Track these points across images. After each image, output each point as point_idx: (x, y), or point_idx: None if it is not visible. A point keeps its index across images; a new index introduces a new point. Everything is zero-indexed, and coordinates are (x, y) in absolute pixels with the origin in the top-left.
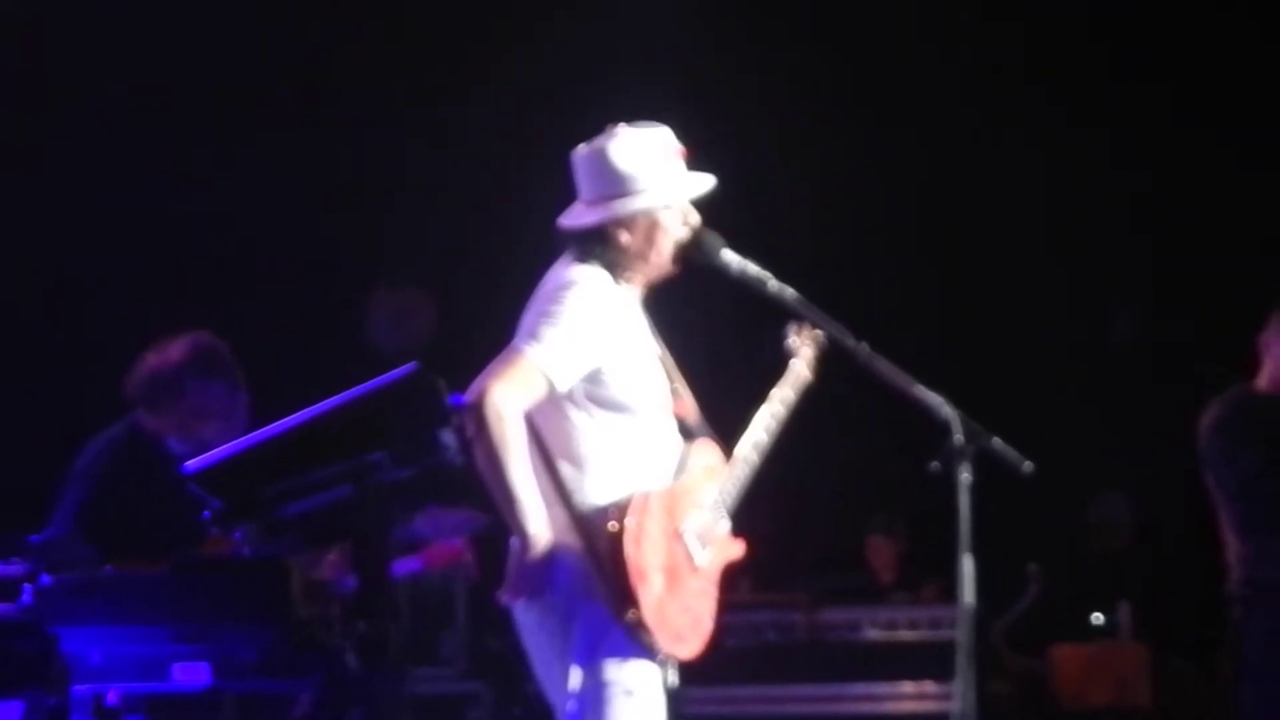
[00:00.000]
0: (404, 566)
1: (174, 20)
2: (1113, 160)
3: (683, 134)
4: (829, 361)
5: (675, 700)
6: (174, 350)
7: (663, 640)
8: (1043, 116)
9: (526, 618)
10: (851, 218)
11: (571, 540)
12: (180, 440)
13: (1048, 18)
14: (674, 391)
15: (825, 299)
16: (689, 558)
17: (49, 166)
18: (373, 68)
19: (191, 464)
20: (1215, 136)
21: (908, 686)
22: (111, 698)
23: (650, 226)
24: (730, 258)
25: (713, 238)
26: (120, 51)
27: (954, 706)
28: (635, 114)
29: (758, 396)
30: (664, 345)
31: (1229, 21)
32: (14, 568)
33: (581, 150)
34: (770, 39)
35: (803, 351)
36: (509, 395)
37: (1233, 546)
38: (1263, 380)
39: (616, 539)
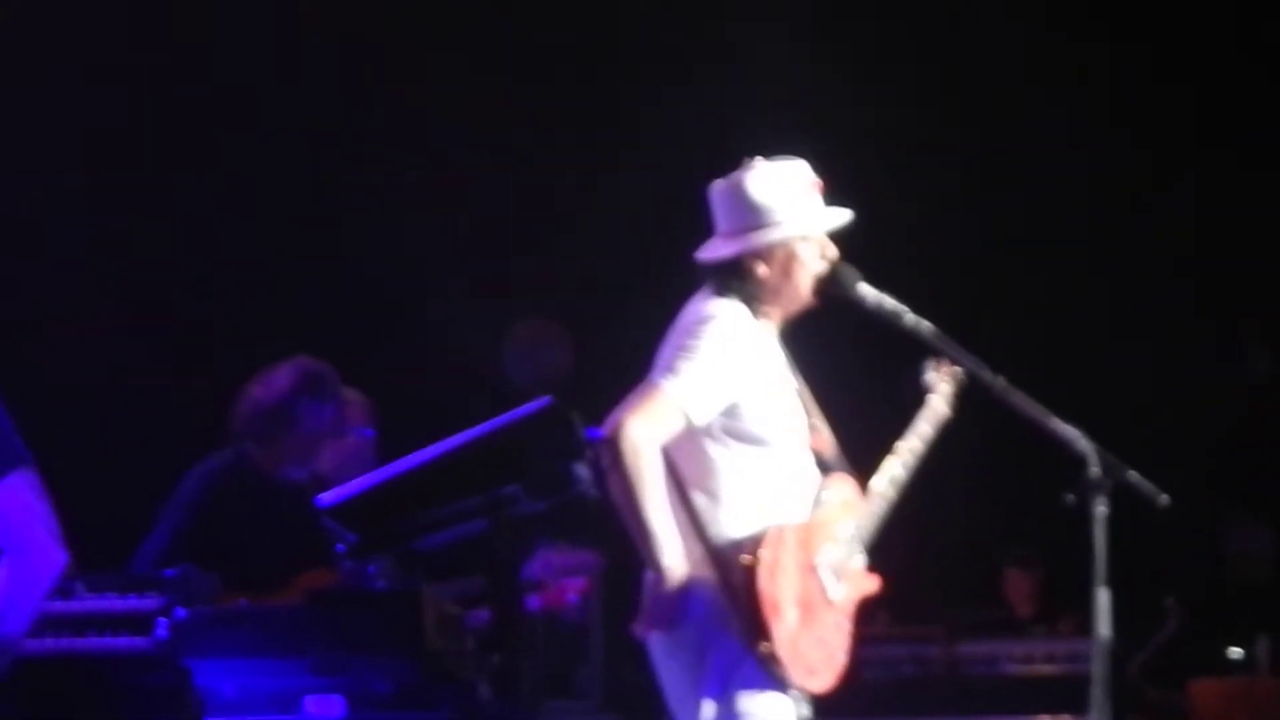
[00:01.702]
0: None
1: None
2: (1254, 193)
3: (817, 169)
4: (966, 395)
5: None
6: (280, 378)
7: (795, 673)
8: (1186, 145)
9: (661, 650)
10: (982, 253)
11: (706, 573)
12: (296, 468)
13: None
14: (811, 426)
15: (958, 333)
16: (823, 591)
17: (156, 186)
18: (518, 107)
19: (326, 497)
20: None
21: None
22: None
23: (787, 259)
24: (867, 291)
25: (849, 271)
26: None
27: None
28: (773, 149)
29: (895, 432)
30: (802, 379)
31: None
32: (149, 601)
33: (719, 184)
34: (896, 79)
35: (941, 387)
36: (646, 429)
37: None
38: None
39: (751, 572)
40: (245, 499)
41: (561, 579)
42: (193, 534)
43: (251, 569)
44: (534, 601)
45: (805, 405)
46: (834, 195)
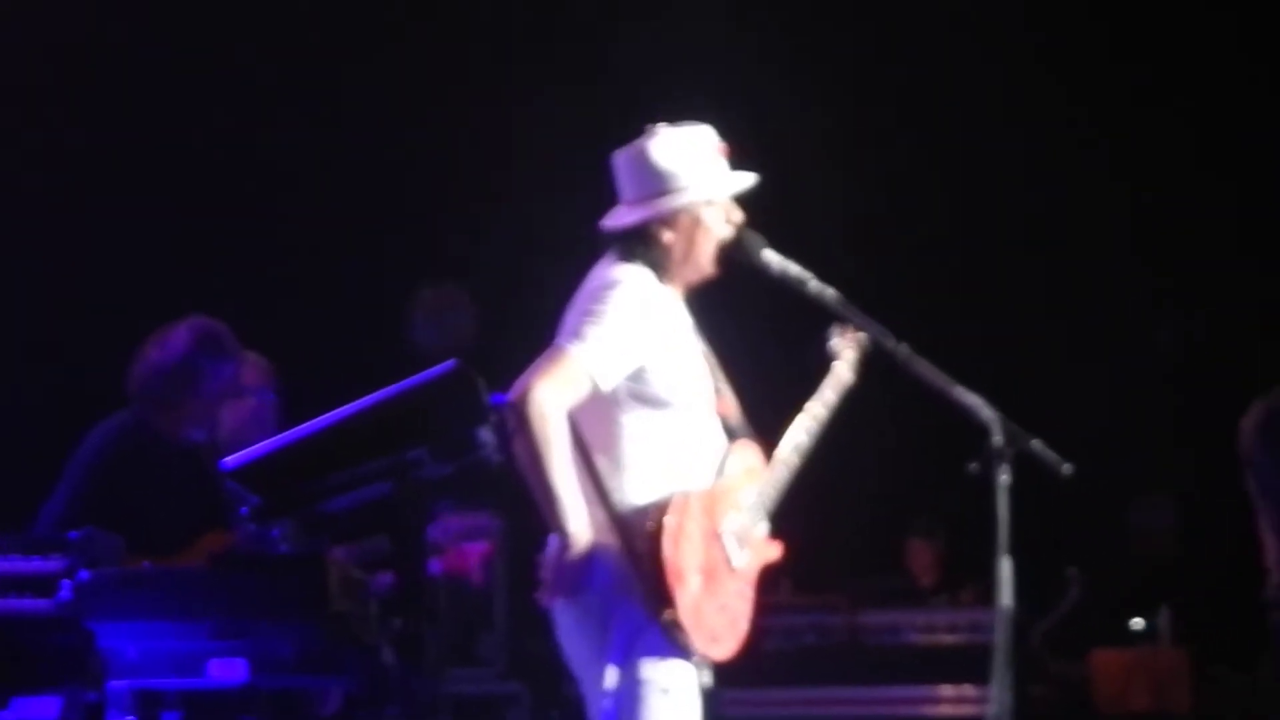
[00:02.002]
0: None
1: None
2: (1161, 170)
3: (722, 134)
4: (869, 363)
5: (711, 701)
6: (177, 339)
7: (698, 640)
8: (1090, 127)
9: (565, 617)
10: (890, 219)
11: (610, 539)
12: (198, 427)
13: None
14: (717, 391)
15: (863, 301)
16: (727, 559)
17: (61, 154)
18: (421, 69)
19: (230, 460)
20: (1269, 141)
21: (947, 690)
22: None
23: (692, 225)
24: (772, 258)
25: (754, 237)
26: (162, 37)
27: (992, 710)
28: (676, 116)
29: (799, 398)
30: (708, 345)
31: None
32: (52, 563)
33: (623, 151)
34: (810, 41)
35: (844, 354)
36: (552, 394)
37: (1271, 551)
38: None
39: (655, 538)
40: (145, 461)
41: (460, 543)
42: (93, 496)
43: (152, 531)
44: (436, 566)
45: (711, 371)
46: (744, 160)
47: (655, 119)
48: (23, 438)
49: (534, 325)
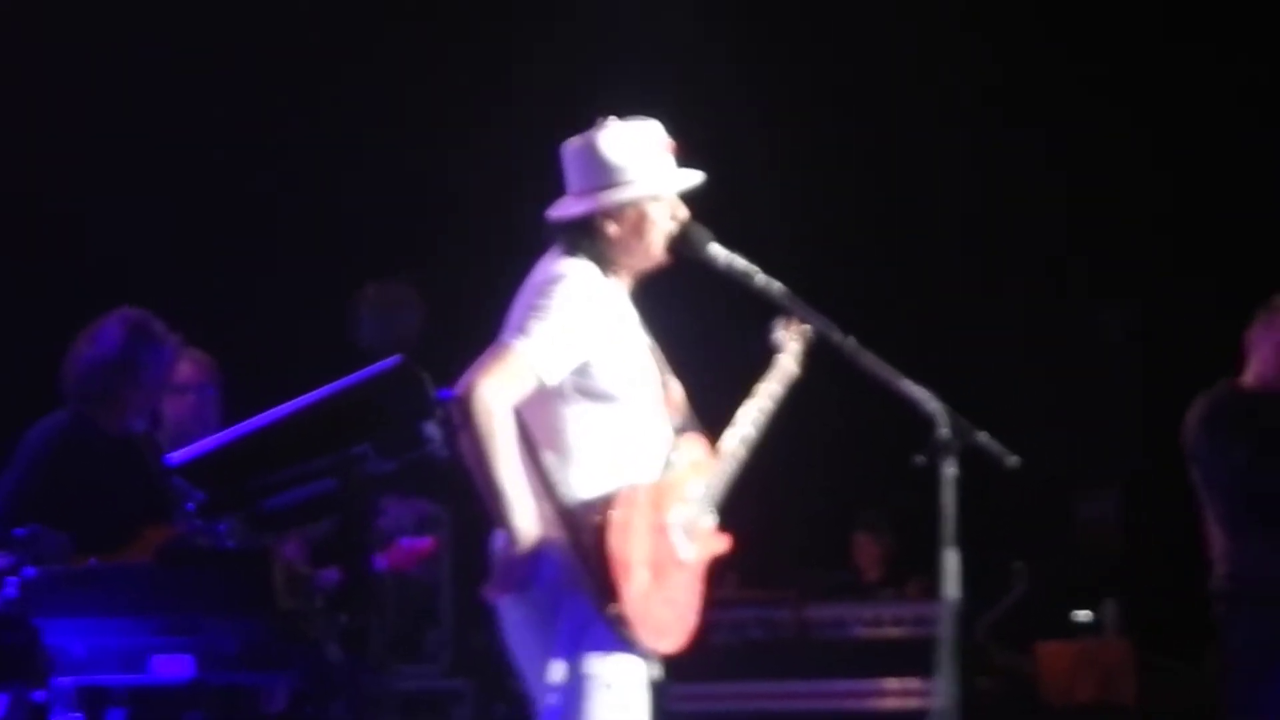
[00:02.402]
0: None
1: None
2: (1106, 158)
3: (671, 130)
4: (815, 356)
5: (659, 695)
6: (110, 332)
7: (646, 635)
8: (1035, 113)
9: (511, 613)
10: (841, 214)
11: (557, 534)
12: (140, 416)
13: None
14: (663, 385)
15: (811, 295)
16: (674, 552)
17: None
18: (363, 62)
19: (176, 456)
20: (1215, 138)
21: (893, 683)
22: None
23: (638, 218)
24: (718, 251)
25: (700, 231)
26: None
27: (938, 703)
28: (625, 109)
29: (745, 391)
30: (654, 338)
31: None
32: None
33: (572, 143)
34: (759, 39)
35: (790, 346)
36: (498, 390)
37: (1217, 543)
38: (1249, 377)
39: (601, 532)
40: (86, 457)
41: (406, 539)
42: (35, 494)
43: (96, 527)
44: (381, 562)
45: (657, 364)
46: (692, 156)
47: (604, 112)
48: None
49: (481, 320)
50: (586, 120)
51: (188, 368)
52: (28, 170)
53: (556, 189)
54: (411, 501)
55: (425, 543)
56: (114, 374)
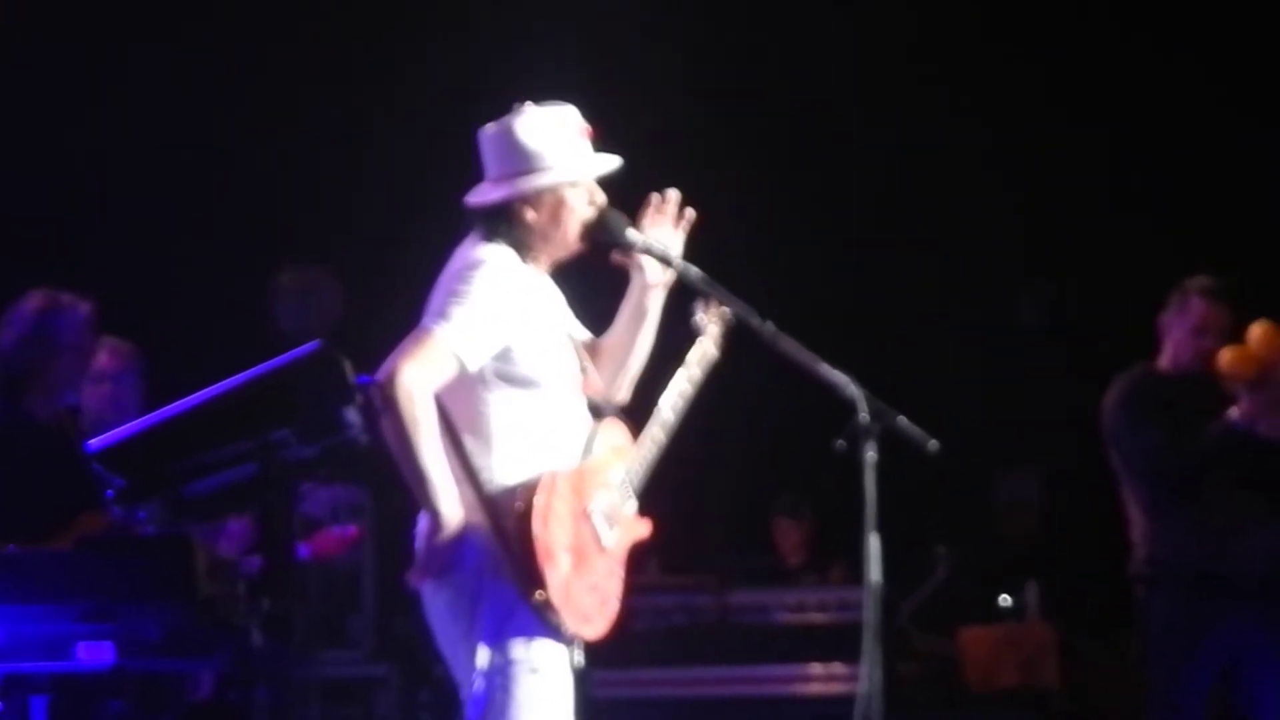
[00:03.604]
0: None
1: None
2: (1024, 143)
3: (589, 114)
4: (735, 341)
5: (583, 681)
6: (18, 314)
7: (569, 620)
8: (954, 97)
9: (435, 599)
10: (758, 199)
11: (479, 520)
12: (69, 389)
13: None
14: (583, 370)
15: (728, 280)
16: (596, 538)
17: None
18: (277, 44)
19: (95, 442)
20: (1132, 118)
21: (816, 668)
22: None
23: (556, 204)
24: (635, 236)
25: (618, 217)
26: None
27: (862, 687)
28: (542, 94)
29: (665, 375)
30: (577, 322)
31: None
32: None
33: (488, 128)
34: (683, 15)
35: (709, 329)
36: (419, 375)
37: (1137, 525)
38: (1164, 360)
39: (524, 518)
40: (15, 444)
41: (329, 527)
42: None
43: (26, 514)
44: (304, 550)
45: (577, 350)
46: (608, 139)
47: (521, 96)
48: None
49: (400, 305)
50: (503, 105)
51: (106, 356)
52: None
53: (474, 174)
54: (334, 488)
55: (351, 530)
56: (32, 348)
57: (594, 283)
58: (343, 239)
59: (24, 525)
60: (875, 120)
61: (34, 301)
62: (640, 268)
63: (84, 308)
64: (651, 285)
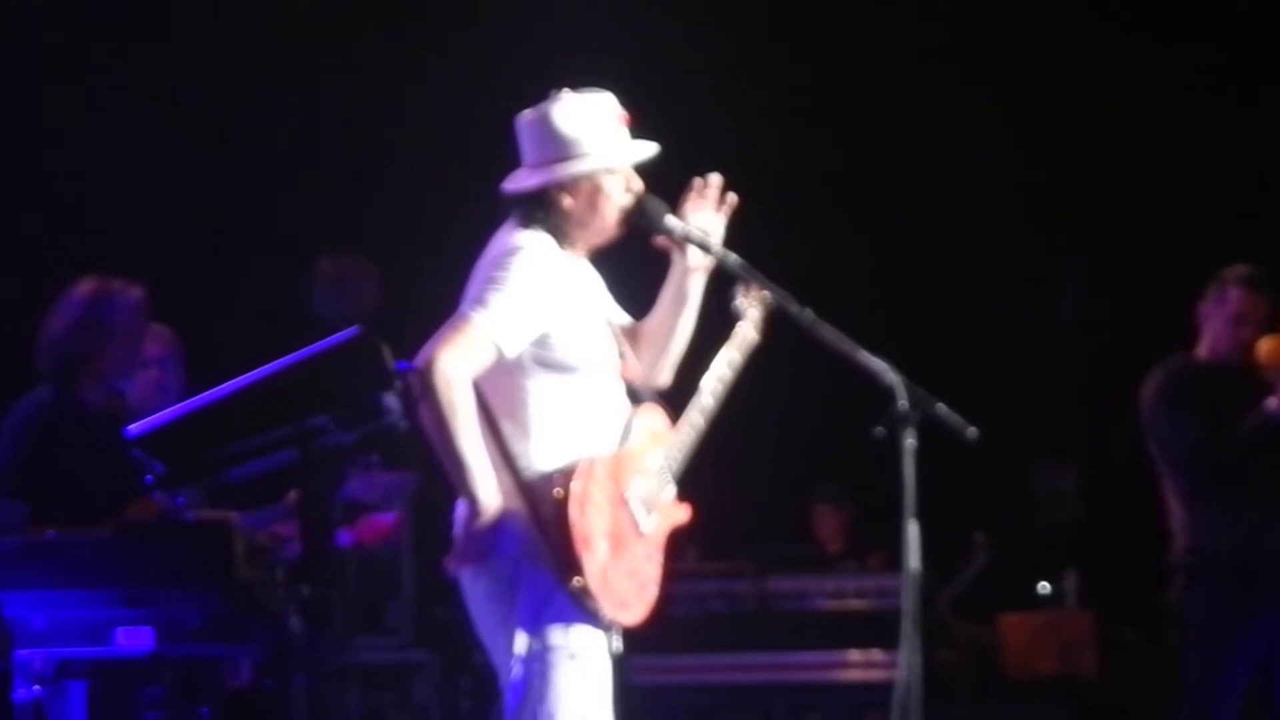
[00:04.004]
0: (337, 540)
1: None
2: (1062, 137)
3: (626, 101)
4: (774, 328)
5: (621, 668)
6: (69, 300)
7: (607, 606)
8: (991, 91)
9: (473, 585)
10: (798, 187)
11: (517, 506)
12: (121, 373)
13: None
14: (621, 355)
15: (767, 267)
16: (634, 524)
17: None
18: (322, 34)
19: (134, 428)
20: (1163, 114)
21: (855, 655)
22: (40, 665)
23: (593, 191)
24: (674, 223)
25: (656, 203)
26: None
27: (900, 674)
28: (580, 81)
29: (704, 360)
30: (618, 308)
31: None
32: None
33: (526, 115)
34: (712, 8)
35: (749, 314)
36: (458, 361)
37: (1176, 515)
38: (1202, 350)
39: (561, 505)
40: (71, 431)
41: (374, 512)
42: (21, 469)
43: (82, 501)
44: (346, 537)
45: (615, 335)
46: (645, 125)
47: (559, 83)
48: None
49: (438, 292)
50: (541, 91)
51: (150, 342)
52: None
53: (512, 160)
54: (389, 474)
55: (390, 518)
56: (84, 333)
57: (636, 266)
58: (381, 226)
59: (79, 512)
60: (912, 112)
61: (85, 288)
62: (681, 252)
63: (134, 293)
64: (692, 269)
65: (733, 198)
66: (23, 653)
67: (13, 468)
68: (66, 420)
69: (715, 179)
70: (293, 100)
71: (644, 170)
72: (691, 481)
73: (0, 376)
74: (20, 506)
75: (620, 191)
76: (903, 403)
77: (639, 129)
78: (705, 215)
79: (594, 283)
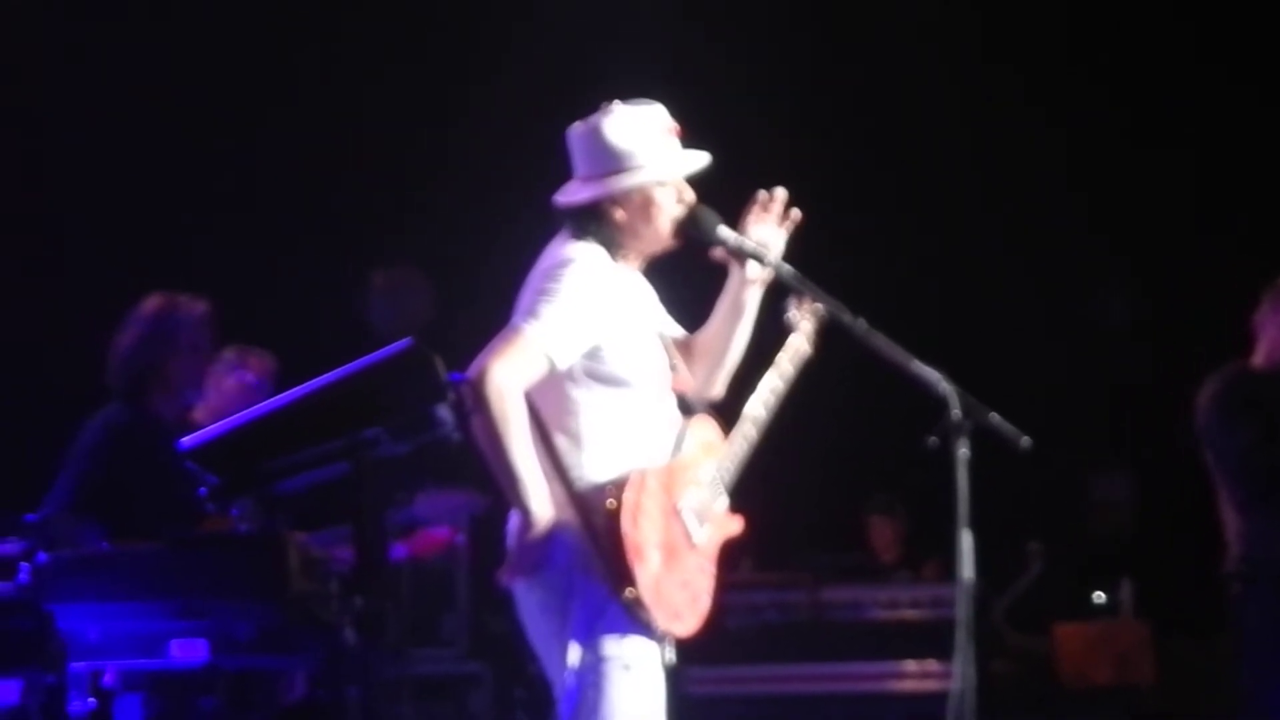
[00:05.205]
0: (392, 553)
1: None
2: (1111, 143)
3: (676, 113)
4: (827, 338)
5: (675, 679)
6: (137, 316)
7: (660, 617)
8: (1041, 99)
9: (527, 597)
10: (851, 197)
11: (569, 517)
12: (190, 385)
13: None
14: (673, 367)
15: (820, 278)
16: (687, 535)
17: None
18: (374, 48)
19: (188, 440)
20: (1227, 116)
21: (910, 665)
22: (108, 678)
23: (645, 203)
24: (727, 234)
25: (708, 214)
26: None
27: (955, 685)
28: (629, 93)
29: (757, 370)
30: (670, 320)
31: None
32: (10, 546)
33: (577, 127)
34: (759, 21)
35: (802, 326)
36: (510, 373)
37: (1231, 523)
38: (1258, 358)
39: (614, 516)
40: (145, 447)
41: (445, 518)
42: (95, 483)
43: (153, 516)
44: (400, 550)
45: (667, 347)
46: (696, 136)
47: (610, 96)
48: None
49: (490, 304)
50: (591, 103)
51: (254, 366)
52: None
53: (564, 173)
54: (442, 494)
55: (444, 532)
56: (153, 346)
57: (691, 278)
58: (434, 239)
59: (156, 525)
60: (960, 121)
61: (152, 303)
62: (739, 264)
63: (200, 307)
64: (750, 282)
65: (795, 213)
66: (78, 665)
67: (87, 484)
68: (139, 435)
69: (780, 193)
70: (346, 111)
71: (696, 182)
72: (745, 493)
73: (70, 393)
74: (94, 524)
75: (672, 203)
76: (956, 412)
77: (689, 140)
78: (766, 229)
79: (646, 294)
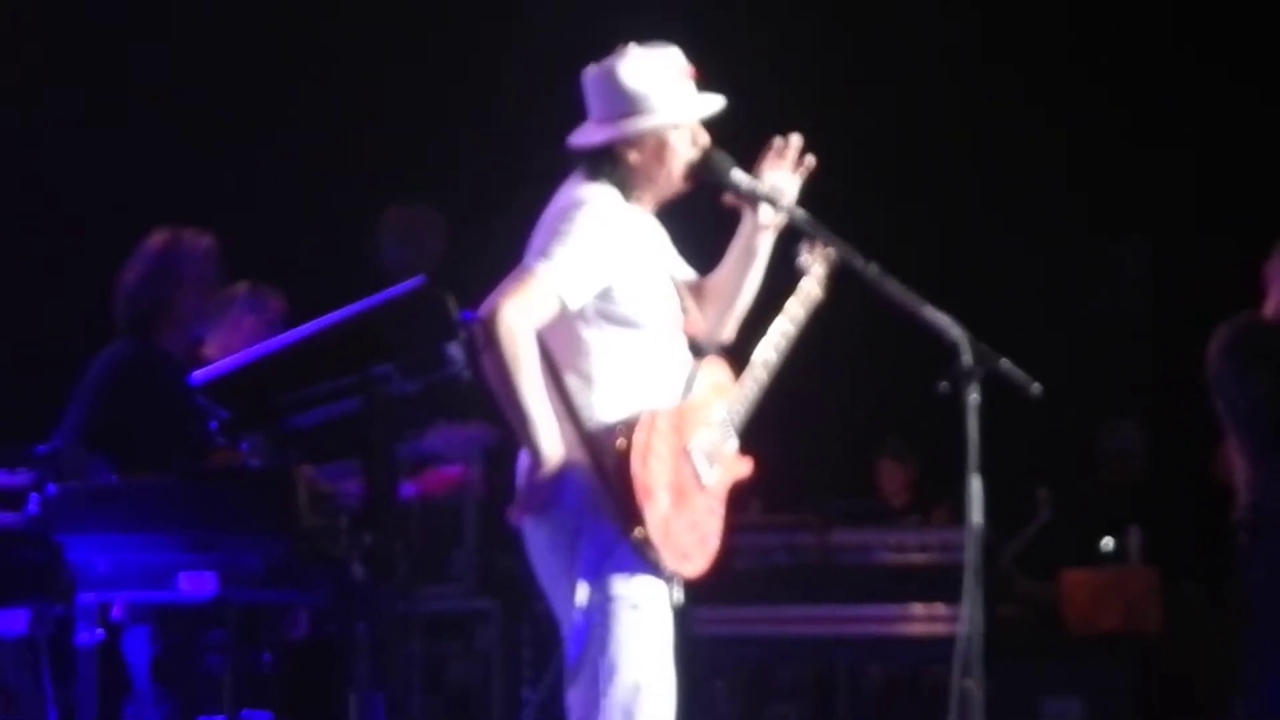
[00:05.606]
0: (401, 491)
1: None
2: (1127, 94)
3: (691, 56)
4: (840, 283)
5: (683, 619)
6: (142, 252)
7: (668, 558)
8: (1048, 95)
9: (535, 535)
10: (862, 143)
11: (579, 457)
12: (198, 319)
13: None
14: (684, 310)
15: (832, 221)
16: (696, 476)
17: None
18: None
19: (199, 374)
20: (1222, 73)
21: (918, 608)
22: (116, 611)
23: (659, 146)
24: (740, 177)
25: (722, 157)
26: None
27: (962, 629)
28: (646, 36)
29: (768, 314)
30: (683, 263)
31: None
32: (20, 477)
33: (592, 70)
34: None
35: (814, 269)
36: (521, 313)
37: (1240, 472)
38: (1268, 309)
39: (624, 456)
40: (154, 382)
41: (458, 453)
42: (106, 418)
43: (162, 450)
44: (410, 488)
45: (678, 289)
46: (709, 81)
47: (625, 38)
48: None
49: (503, 244)
50: (608, 46)
51: (273, 305)
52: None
53: (579, 114)
54: (455, 429)
55: (455, 470)
56: (158, 281)
57: (705, 220)
58: (447, 178)
59: (166, 459)
60: (960, 121)
61: (156, 239)
62: (751, 208)
63: (205, 241)
64: (762, 226)
65: (810, 159)
66: (86, 596)
67: (95, 419)
68: (146, 370)
69: (795, 139)
70: (362, 51)
71: (711, 126)
72: (755, 435)
73: (80, 325)
74: (101, 461)
75: (686, 146)
76: (967, 358)
77: (704, 84)
78: (781, 175)
79: (659, 237)
